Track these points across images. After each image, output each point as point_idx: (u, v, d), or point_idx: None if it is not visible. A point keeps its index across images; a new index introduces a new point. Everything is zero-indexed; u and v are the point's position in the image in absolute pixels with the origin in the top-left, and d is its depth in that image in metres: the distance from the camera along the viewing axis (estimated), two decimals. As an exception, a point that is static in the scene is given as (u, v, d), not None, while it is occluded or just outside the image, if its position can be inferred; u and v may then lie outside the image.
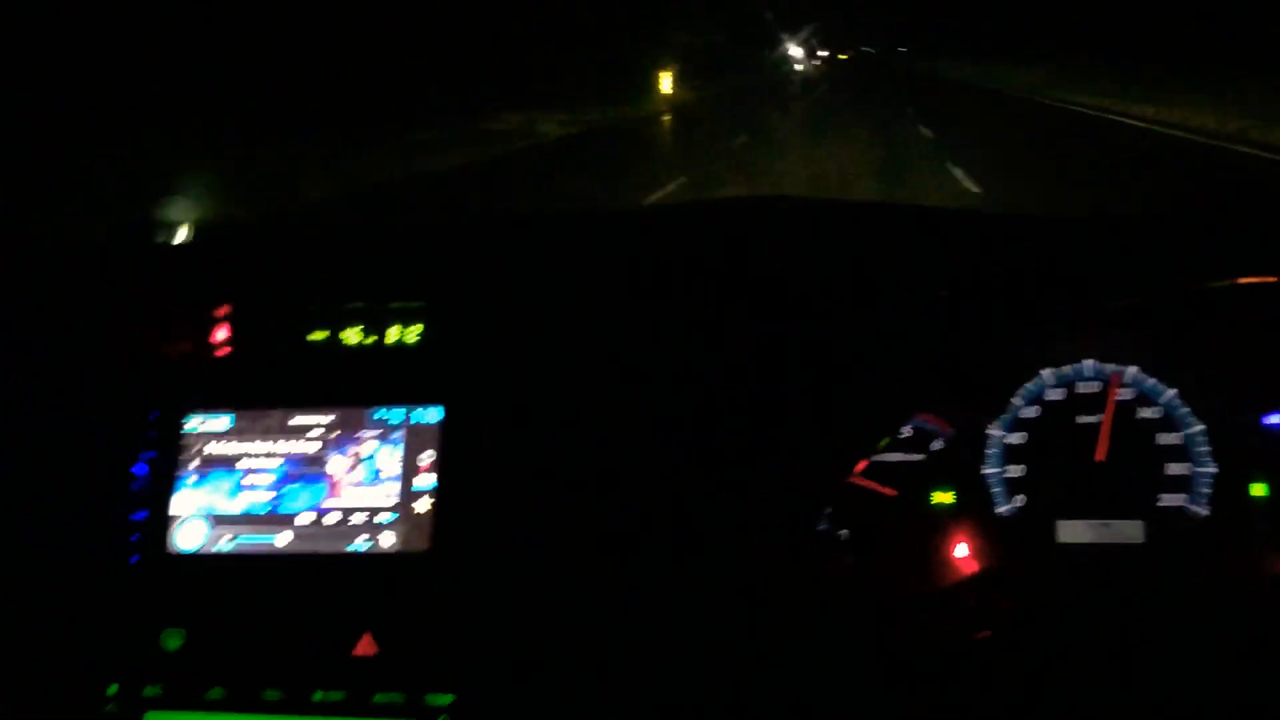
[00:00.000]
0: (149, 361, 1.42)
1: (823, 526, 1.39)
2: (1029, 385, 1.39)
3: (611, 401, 1.31)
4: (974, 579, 1.35)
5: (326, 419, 1.33)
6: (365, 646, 1.24)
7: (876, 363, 1.34)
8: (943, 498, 1.39)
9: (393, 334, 1.41)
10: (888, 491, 1.40)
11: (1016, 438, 1.39)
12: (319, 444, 1.32)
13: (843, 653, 1.26)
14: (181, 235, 1.61)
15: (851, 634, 1.27)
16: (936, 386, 1.39)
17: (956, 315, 1.36)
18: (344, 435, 1.32)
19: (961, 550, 1.37)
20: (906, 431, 1.41)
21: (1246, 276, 1.19)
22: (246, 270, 1.52)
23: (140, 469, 1.33)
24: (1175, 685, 1.19)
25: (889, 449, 1.41)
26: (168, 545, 1.30)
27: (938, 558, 1.38)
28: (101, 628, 1.26)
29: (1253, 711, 1.17)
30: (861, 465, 1.38)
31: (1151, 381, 1.37)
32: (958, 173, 11.57)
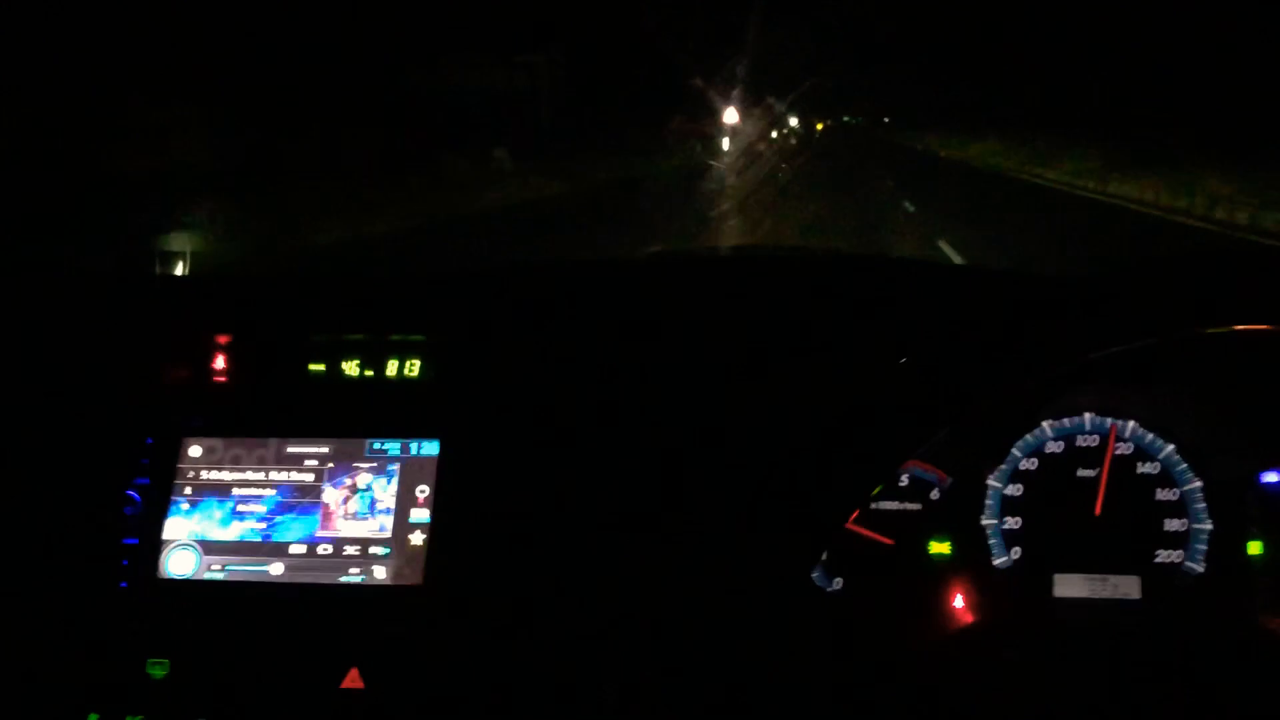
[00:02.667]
0: (147, 388, 1.42)
1: (816, 573, 1.39)
2: (1028, 437, 1.39)
3: (605, 442, 1.30)
4: (970, 631, 1.33)
5: (322, 449, 1.33)
6: (353, 680, 1.22)
7: (875, 412, 1.34)
8: (940, 548, 1.38)
9: (392, 367, 1.41)
10: (885, 540, 1.40)
11: (1014, 489, 1.39)
12: (314, 474, 1.32)
13: (835, 707, 1.24)
14: (186, 267, 1.62)
15: (845, 687, 1.26)
16: (936, 436, 1.39)
17: (958, 367, 1.36)
18: (339, 466, 1.32)
19: (958, 602, 1.36)
20: (904, 480, 1.41)
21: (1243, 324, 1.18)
22: (249, 301, 1.52)
23: (133, 494, 1.32)
24: None
25: (886, 497, 1.41)
26: (158, 572, 1.29)
27: (934, 609, 1.36)
28: (87, 653, 1.25)
29: None
30: (855, 514, 1.37)
31: (1150, 436, 1.38)
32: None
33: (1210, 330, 1.24)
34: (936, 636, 1.33)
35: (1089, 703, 1.22)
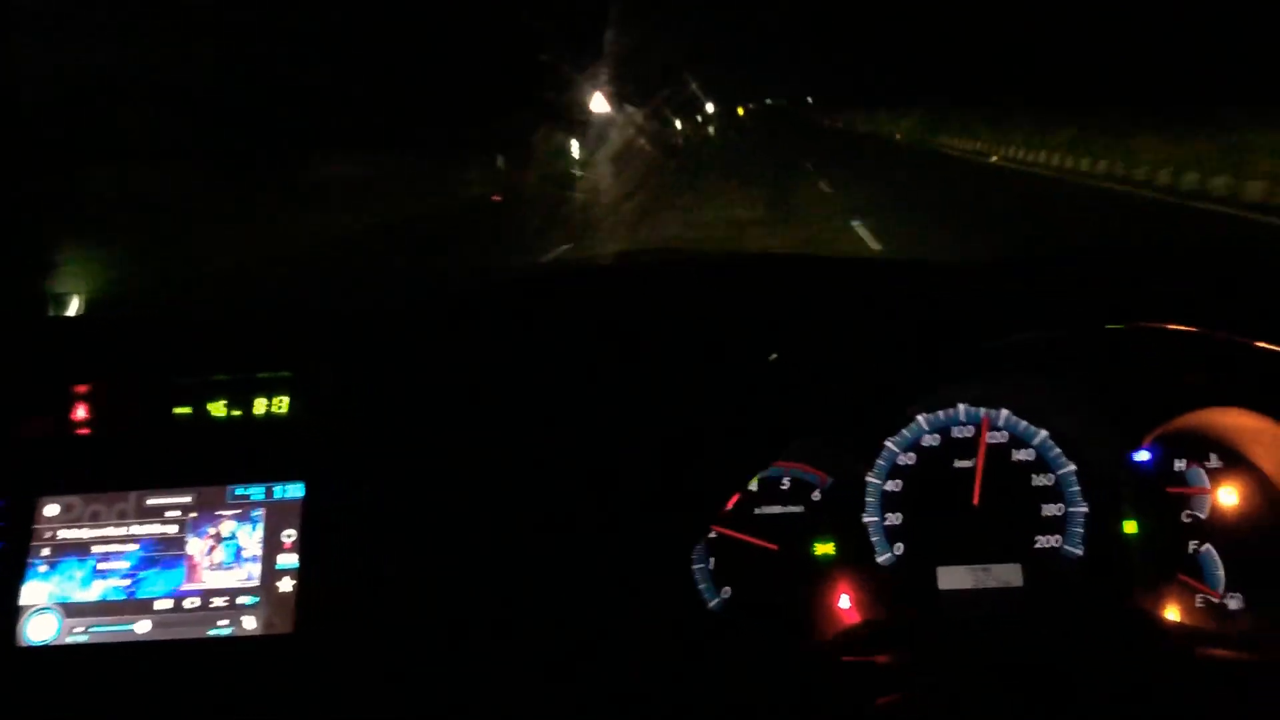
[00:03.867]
0: (2, 444, 1.36)
1: (701, 586, 1.37)
2: (904, 432, 1.39)
3: (475, 474, 1.28)
4: (857, 630, 1.33)
5: (184, 499, 1.28)
6: None
7: (745, 410, 1.33)
8: (824, 549, 1.38)
9: (260, 407, 1.37)
10: (769, 545, 1.39)
11: (894, 485, 1.39)
12: (177, 525, 1.28)
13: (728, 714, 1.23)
14: (44, 311, 1.56)
15: (735, 695, 1.25)
16: (812, 435, 1.39)
17: (829, 363, 1.36)
18: (202, 515, 1.28)
19: (844, 602, 1.36)
20: (785, 483, 1.40)
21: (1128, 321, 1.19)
22: (109, 346, 1.47)
23: None
24: None
25: (768, 501, 1.40)
26: (16, 639, 1.24)
27: (821, 610, 1.36)
28: None
29: None
30: (733, 499, 1.36)
31: (1023, 424, 1.38)
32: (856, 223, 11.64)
33: (1112, 327, 1.25)
34: (826, 638, 1.33)
35: (978, 692, 1.23)
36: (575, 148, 22.60)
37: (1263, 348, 0.97)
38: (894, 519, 1.38)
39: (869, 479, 1.38)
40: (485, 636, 1.21)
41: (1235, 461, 1.35)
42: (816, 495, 1.39)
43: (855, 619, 1.35)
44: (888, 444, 1.38)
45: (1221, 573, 1.33)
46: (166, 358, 1.44)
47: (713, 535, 1.39)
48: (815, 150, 29.61)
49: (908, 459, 1.39)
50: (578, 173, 20.95)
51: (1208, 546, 1.34)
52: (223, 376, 1.39)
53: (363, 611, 1.23)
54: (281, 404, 1.36)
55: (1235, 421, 1.30)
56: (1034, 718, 1.20)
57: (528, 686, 1.19)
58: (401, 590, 1.23)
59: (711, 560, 1.39)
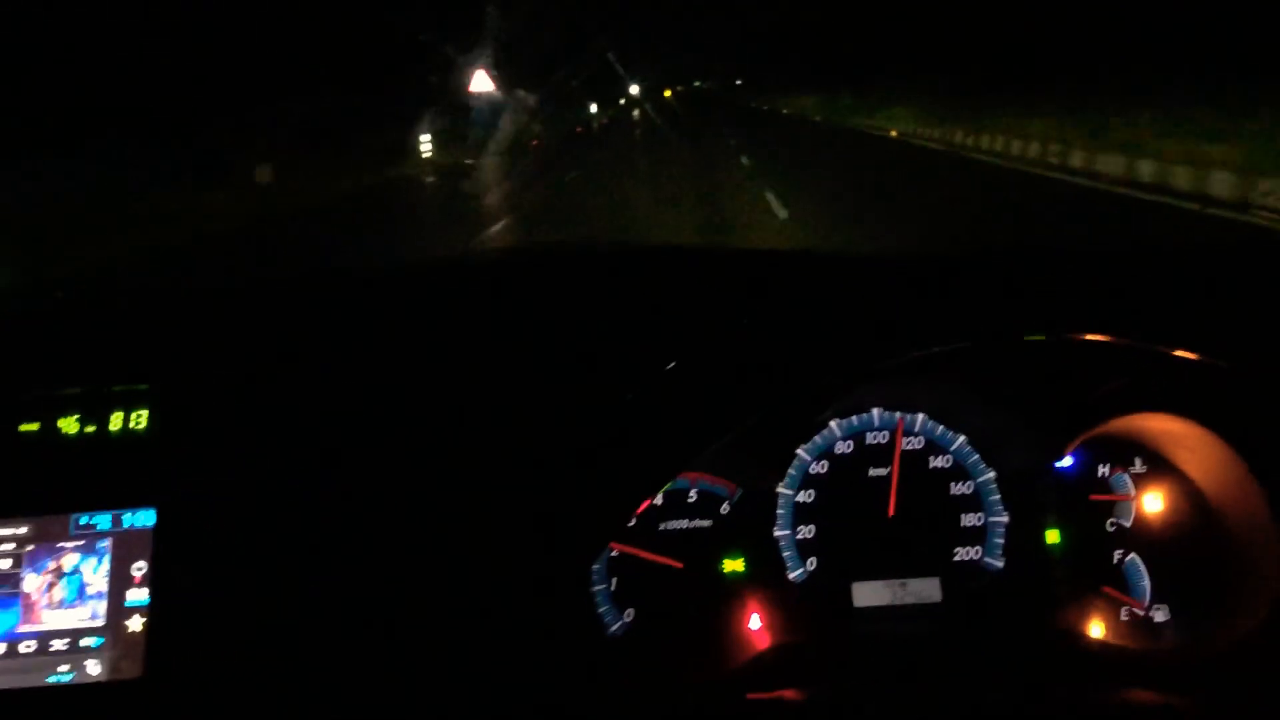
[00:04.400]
0: None
1: (602, 609, 1.28)
2: (816, 439, 1.30)
3: (346, 493, 1.16)
4: (767, 656, 1.25)
5: (19, 530, 1.15)
6: None
7: (648, 414, 1.23)
8: (734, 565, 1.29)
9: (116, 422, 1.24)
10: (673, 564, 1.30)
11: (806, 496, 1.30)
12: (11, 560, 1.14)
13: None
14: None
15: None
16: (718, 444, 1.29)
17: (736, 366, 1.26)
18: (40, 548, 1.15)
19: (755, 623, 1.27)
20: (692, 496, 1.31)
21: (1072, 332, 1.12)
22: None
23: None
24: None
25: (674, 516, 1.31)
26: None
27: (730, 633, 1.27)
28: None
29: None
30: (642, 508, 1.26)
31: (940, 429, 1.30)
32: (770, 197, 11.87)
33: (1032, 338, 1.17)
34: (736, 663, 1.24)
35: (896, 712, 1.15)
36: (427, 141, 19.02)
37: (1182, 357, 0.90)
38: (806, 532, 1.29)
39: (780, 490, 1.29)
40: (359, 674, 1.10)
41: (1160, 466, 1.28)
42: (725, 508, 1.30)
43: (766, 641, 1.26)
44: (799, 452, 1.30)
45: (1147, 583, 1.27)
46: (11, 368, 1.30)
47: (614, 554, 1.29)
48: (734, 126, 30.18)
49: (820, 467, 1.30)
50: (428, 175, 17.42)
51: (1133, 556, 1.28)
52: (74, 390, 1.25)
53: (220, 652, 1.11)
54: (140, 419, 1.23)
55: (1160, 426, 1.23)
56: None
57: None
58: (264, 628, 1.11)
59: (613, 581, 1.29)
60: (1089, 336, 1.04)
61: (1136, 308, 1.00)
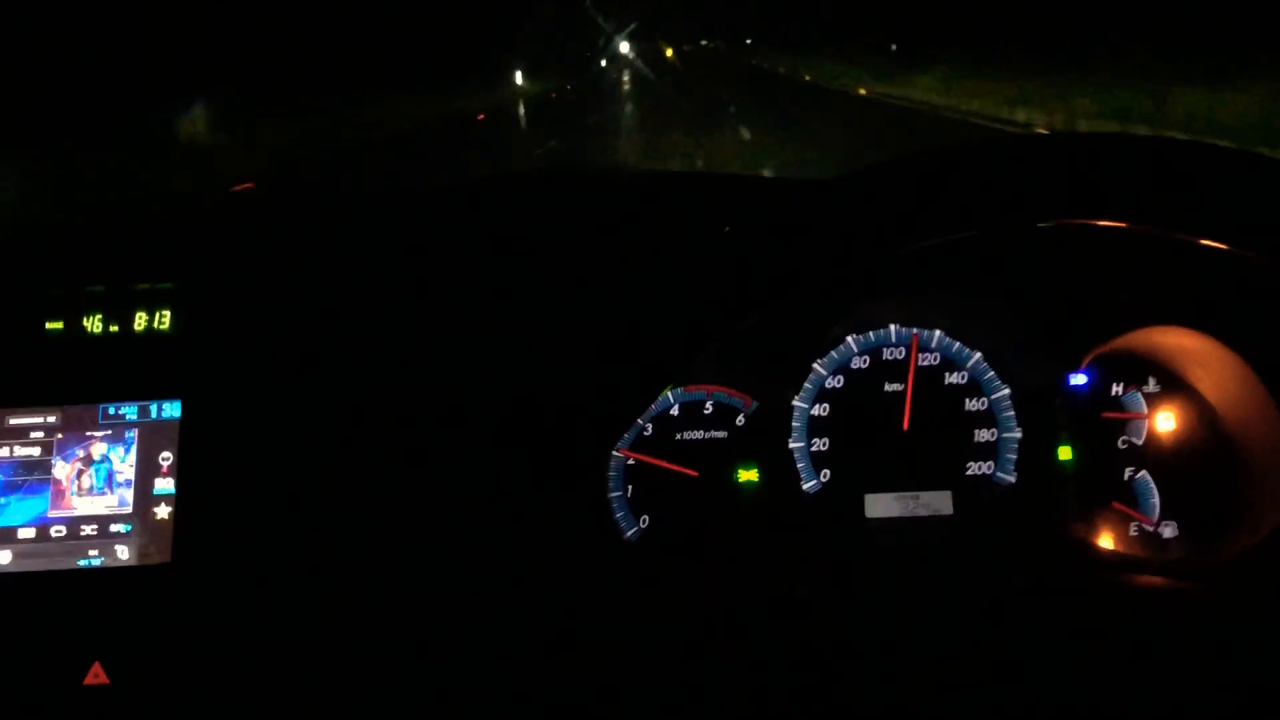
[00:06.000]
0: None
1: (620, 514, 1.30)
2: (833, 354, 1.32)
3: (365, 392, 1.18)
4: (783, 560, 1.27)
5: (50, 419, 1.17)
6: (97, 675, 1.09)
7: (656, 325, 1.23)
8: (748, 475, 1.31)
9: (140, 321, 1.26)
10: (689, 472, 1.31)
11: (821, 409, 1.32)
12: (41, 448, 1.17)
13: (648, 644, 1.16)
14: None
15: (656, 627, 1.18)
16: (735, 356, 1.31)
17: (752, 280, 1.27)
18: (70, 436, 1.17)
19: (770, 530, 1.29)
20: (709, 408, 1.33)
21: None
22: None
23: None
24: (988, 657, 1.13)
25: (690, 427, 1.32)
26: None
27: (744, 540, 1.29)
28: None
29: (1067, 687, 1.11)
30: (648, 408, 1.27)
31: (956, 345, 1.31)
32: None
33: (1044, 225, 1.15)
34: (750, 568, 1.27)
35: (907, 623, 1.17)
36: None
37: (1207, 245, 0.89)
38: (820, 445, 1.31)
39: (795, 403, 1.31)
40: (377, 566, 1.12)
41: (1174, 385, 1.29)
42: (740, 420, 1.32)
43: (782, 548, 1.28)
44: (815, 366, 1.31)
45: (1156, 500, 1.28)
46: (37, 266, 1.32)
47: (630, 462, 1.31)
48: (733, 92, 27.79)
49: (836, 382, 1.32)
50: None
51: (1143, 473, 1.29)
52: (98, 288, 1.27)
53: (245, 539, 1.14)
54: (164, 318, 1.25)
55: (1176, 342, 1.24)
56: (963, 650, 1.15)
57: (424, 623, 1.11)
58: (287, 518, 1.14)
59: (629, 488, 1.31)
60: (1106, 223, 1.03)
61: (1159, 191, 0.98)
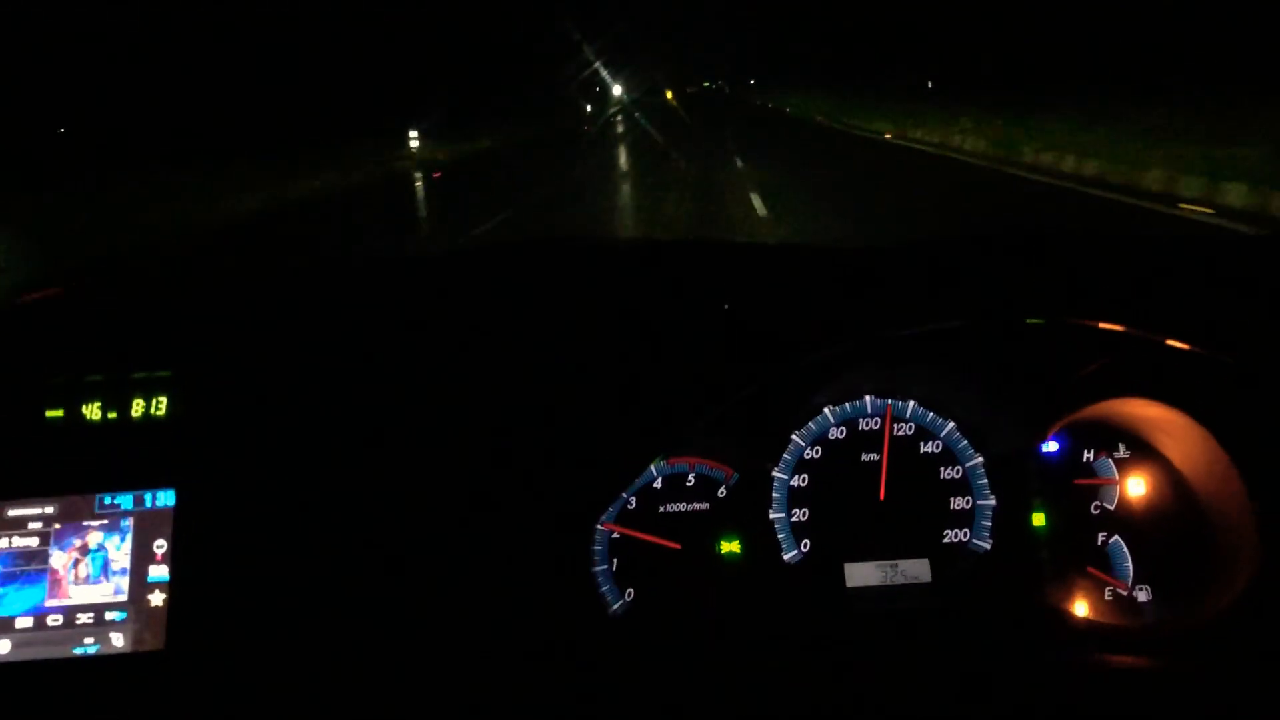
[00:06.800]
0: None
1: (605, 587, 1.33)
2: (810, 424, 1.35)
3: (356, 476, 1.21)
4: (766, 630, 1.29)
5: (47, 509, 1.21)
6: None
7: (645, 398, 1.28)
8: (730, 547, 1.34)
9: (137, 409, 1.29)
10: (672, 545, 1.34)
11: (800, 480, 1.35)
12: (39, 538, 1.20)
13: (636, 716, 1.19)
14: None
15: (642, 699, 1.21)
16: (716, 429, 1.34)
17: (732, 352, 1.31)
18: (67, 526, 1.20)
19: (751, 602, 1.32)
20: (691, 480, 1.36)
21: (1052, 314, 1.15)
22: None
23: None
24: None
25: (673, 499, 1.35)
26: None
27: (727, 612, 1.32)
28: None
29: None
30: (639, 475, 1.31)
31: (930, 415, 1.35)
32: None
33: (1033, 321, 1.21)
34: (732, 641, 1.29)
35: (887, 688, 1.20)
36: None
37: (1175, 347, 0.93)
38: (800, 514, 1.34)
39: (775, 474, 1.34)
40: (370, 648, 1.15)
41: (1143, 451, 1.33)
42: (722, 491, 1.35)
43: (764, 619, 1.31)
44: (794, 438, 1.34)
45: (1130, 564, 1.31)
46: (39, 356, 1.35)
47: (615, 536, 1.34)
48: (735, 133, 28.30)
49: (814, 453, 1.35)
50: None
51: (1116, 538, 1.32)
52: (97, 377, 1.31)
53: (238, 626, 1.16)
54: (160, 405, 1.29)
55: (1142, 412, 1.28)
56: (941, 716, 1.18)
57: (415, 700, 1.14)
58: (279, 602, 1.17)
59: (614, 561, 1.34)
60: (1089, 323, 1.07)
61: (1137, 295, 1.02)
